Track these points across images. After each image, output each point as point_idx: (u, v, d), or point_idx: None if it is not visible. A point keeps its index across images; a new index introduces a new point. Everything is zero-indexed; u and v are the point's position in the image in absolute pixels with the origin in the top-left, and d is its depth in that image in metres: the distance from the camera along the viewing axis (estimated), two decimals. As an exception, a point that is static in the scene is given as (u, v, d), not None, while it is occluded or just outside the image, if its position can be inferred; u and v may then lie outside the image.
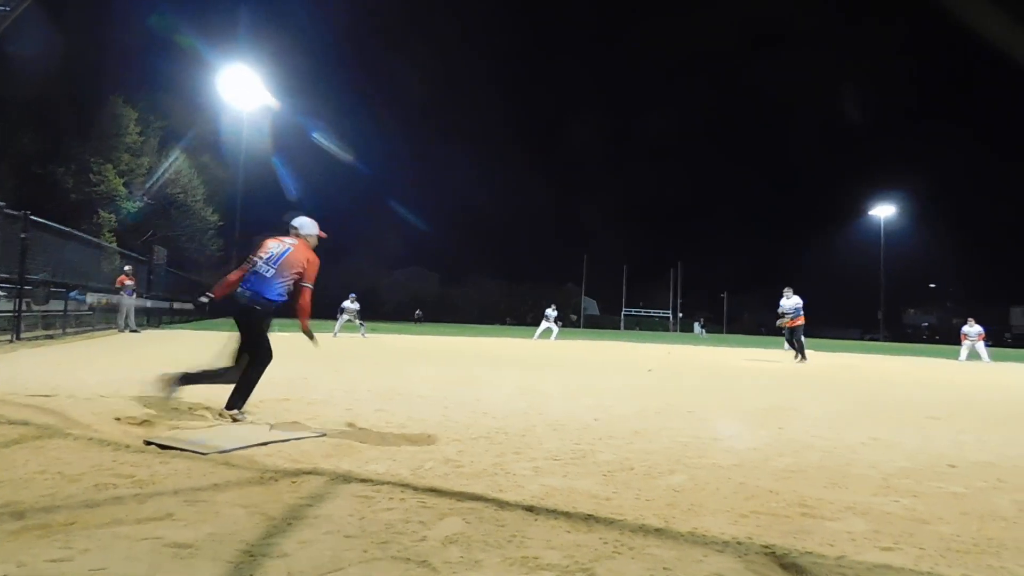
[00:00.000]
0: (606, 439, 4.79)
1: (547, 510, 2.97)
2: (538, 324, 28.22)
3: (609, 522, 2.83)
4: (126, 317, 19.66)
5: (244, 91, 33.77)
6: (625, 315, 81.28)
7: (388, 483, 3.31)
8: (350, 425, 4.96)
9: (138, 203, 35.08)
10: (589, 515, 2.91)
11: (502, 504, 3.04)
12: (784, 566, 2.41)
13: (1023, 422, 6.89)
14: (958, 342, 24.59)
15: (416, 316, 61.97)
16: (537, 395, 7.39)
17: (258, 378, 5.07)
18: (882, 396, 9.23)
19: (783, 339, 20.48)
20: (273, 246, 5.24)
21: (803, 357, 17.17)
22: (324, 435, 4.52)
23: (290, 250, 5.21)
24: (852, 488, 3.64)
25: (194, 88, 37.11)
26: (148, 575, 2.08)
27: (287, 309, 5.14)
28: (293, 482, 3.24)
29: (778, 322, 18.16)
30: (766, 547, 2.59)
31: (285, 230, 5.42)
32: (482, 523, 2.74)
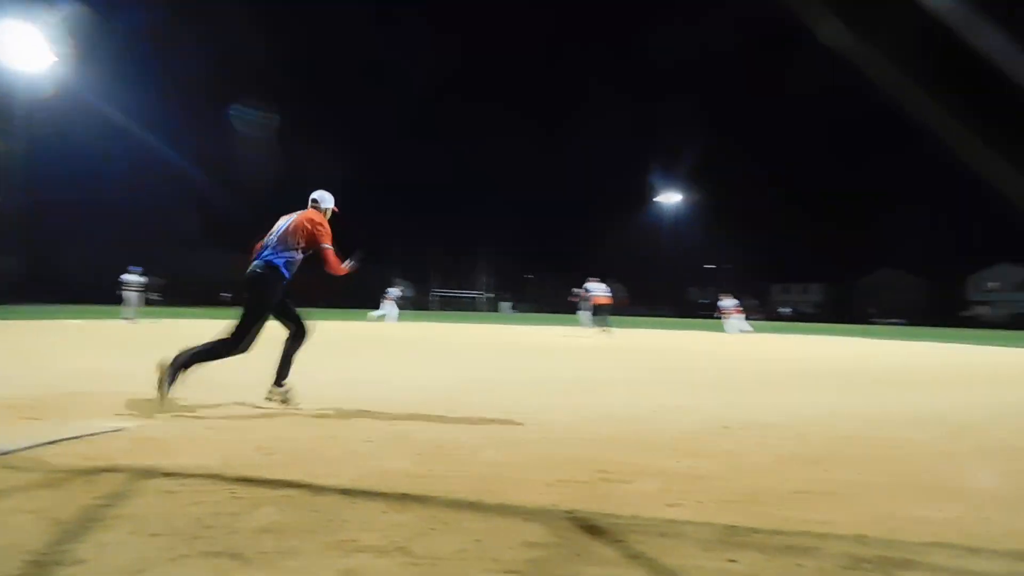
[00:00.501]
0: (420, 418, 4.89)
1: (363, 492, 3.00)
2: (378, 306, 27.96)
3: (424, 500, 2.92)
4: None
5: (26, 49, 30.12)
6: (435, 296, 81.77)
7: (196, 476, 3.18)
8: (154, 417, 4.67)
9: None
10: (404, 494, 2.98)
11: (317, 489, 3.03)
12: (586, 529, 2.62)
13: (782, 385, 7.89)
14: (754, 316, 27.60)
15: (223, 298, 58.59)
16: (351, 378, 7.34)
17: (219, 354, 5.04)
18: (669, 367, 10.12)
19: (585, 316, 22.11)
20: (280, 220, 5.42)
21: (606, 332, 18.65)
22: (123, 428, 4.23)
23: (293, 218, 5.36)
24: (646, 452, 4.00)
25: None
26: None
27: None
28: (88, 482, 3.02)
29: (579, 298, 20.18)
30: (570, 512, 2.80)
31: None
32: (297, 510, 2.73)
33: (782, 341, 21.21)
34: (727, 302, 26.54)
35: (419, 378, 7.46)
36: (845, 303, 78.04)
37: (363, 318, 28.24)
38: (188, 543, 2.32)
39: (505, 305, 77.88)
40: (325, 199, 5.67)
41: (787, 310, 63.65)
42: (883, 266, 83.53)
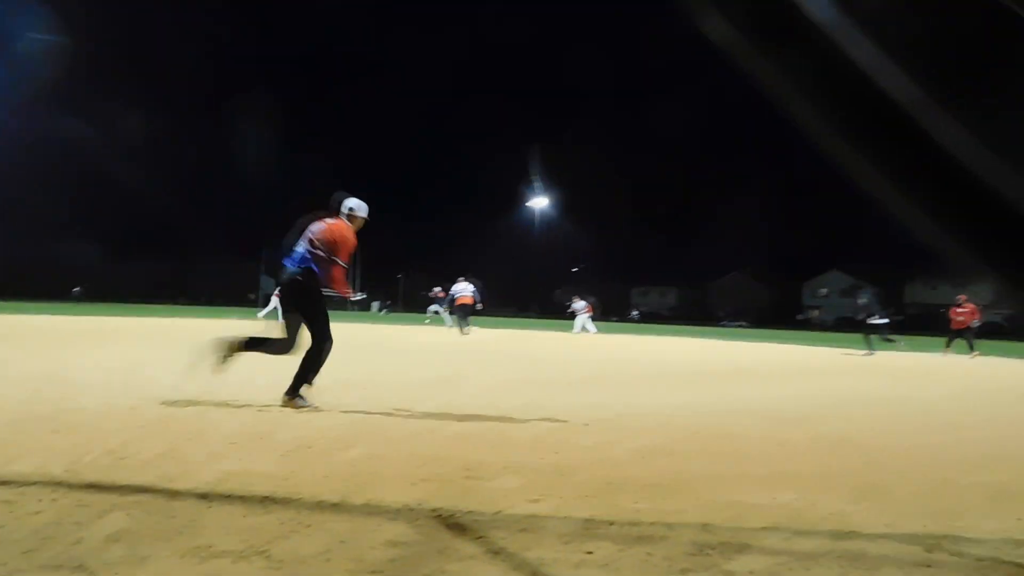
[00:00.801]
0: (284, 418, 4.79)
1: (223, 496, 2.91)
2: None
3: (287, 502, 2.87)
4: None
5: None
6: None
7: (37, 483, 2.97)
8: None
9: None
10: (267, 497, 2.92)
11: (173, 494, 2.91)
12: (450, 526, 2.66)
13: (639, 383, 8.29)
14: (597, 318, 28.86)
15: (75, 292, 54.64)
16: (211, 378, 7.04)
17: (318, 360, 5.39)
18: (531, 365, 10.39)
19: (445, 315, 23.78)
20: (313, 224, 5.57)
21: (465, 332, 20.59)
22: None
23: (325, 226, 5.51)
24: (509, 449, 4.10)
25: None
26: None
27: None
28: (-93, 493, 2.77)
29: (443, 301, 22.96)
30: (434, 510, 2.83)
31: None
32: (150, 516, 2.61)
33: (638, 342, 22.22)
34: (578, 303, 27.75)
35: (283, 378, 7.26)
36: (698, 306, 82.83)
37: (231, 315, 27.06)
38: (25, 556, 2.17)
39: (375, 304, 76.92)
40: (361, 208, 5.74)
41: (635, 313, 66.74)
42: (732, 271, 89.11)
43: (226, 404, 5.26)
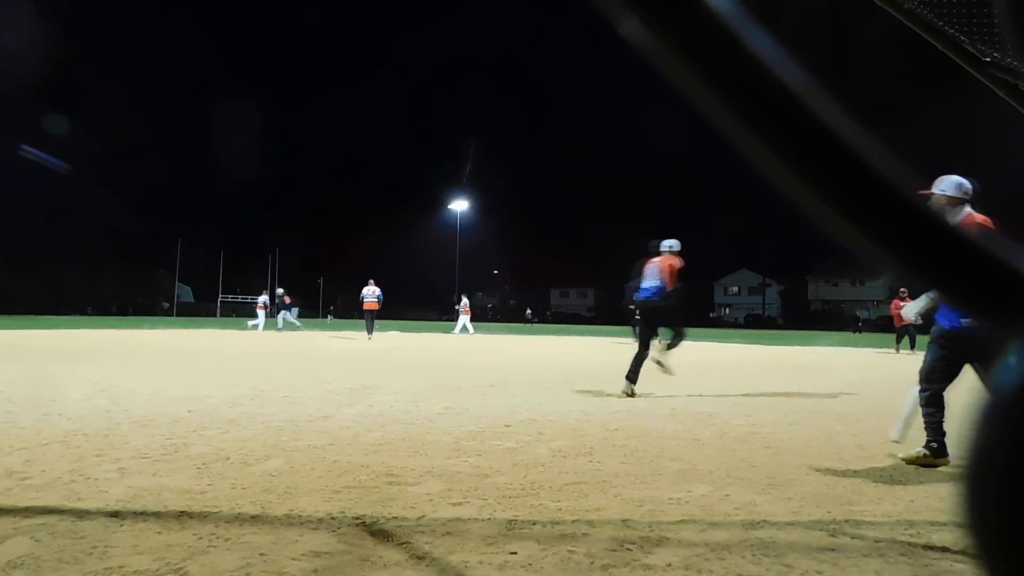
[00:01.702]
0: (200, 431, 4.65)
1: (135, 513, 2.82)
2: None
3: (204, 516, 2.80)
4: None
5: None
6: (222, 302, 77.13)
7: (-73, 509, 2.80)
8: None
9: None
10: (182, 512, 2.85)
11: (81, 514, 2.80)
12: (373, 533, 2.66)
13: (555, 384, 8.43)
14: (520, 320, 29.42)
15: None
16: (121, 391, 6.77)
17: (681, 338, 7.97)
18: (447, 370, 10.41)
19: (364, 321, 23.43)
20: (649, 266, 7.89)
21: (370, 335, 21.49)
22: None
23: (657, 263, 7.79)
24: (430, 454, 4.11)
25: None
26: None
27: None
28: None
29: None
30: (357, 518, 2.82)
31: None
32: (56, 538, 2.50)
33: (555, 343, 22.48)
34: (461, 303, 28.45)
35: (194, 389, 7.05)
36: (615, 306, 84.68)
37: (141, 326, 25.94)
38: (-81, 586, 2.06)
39: (288, 313, 75.32)
40: (670, 246, 7.85)
41: (528, 312, 67.38)
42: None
43: (136, 418, 5.06)
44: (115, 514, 2.80)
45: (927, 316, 4.37)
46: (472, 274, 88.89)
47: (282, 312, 27.05)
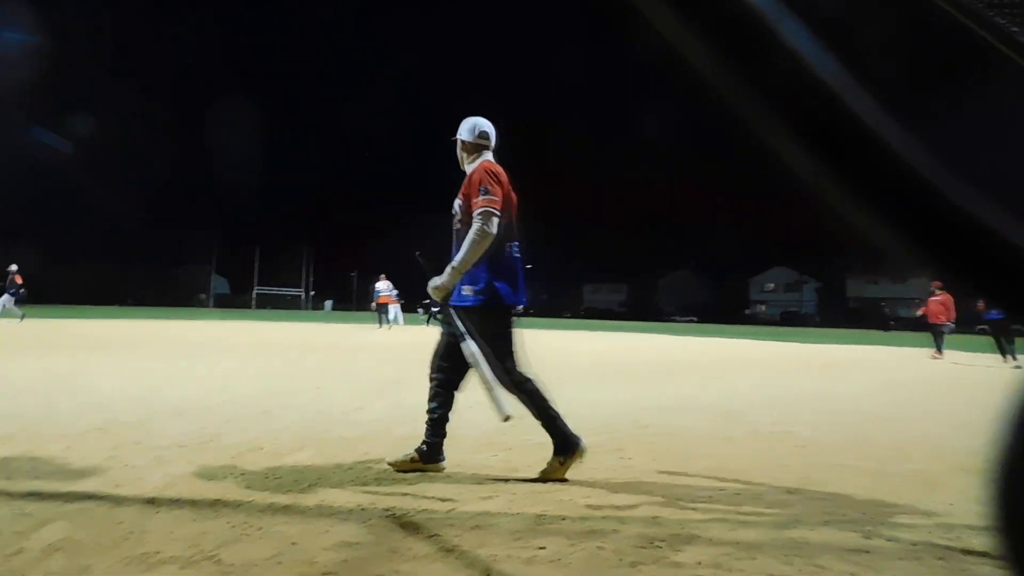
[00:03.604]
0: (233, 421, 4.72)
1: (170, 500, 2.87)
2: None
3: (237, 505, 2.84)
4: None
5: None
6: (258, 294, 78.29)
7: (-28, 493, 2.89)
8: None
9: None
10: (216, 500, 2.89)
11: (118, 500, 2.86)
12: (402, 525, 2.67)
13: (586, 379, 8.39)
14: (552, 315, 29.26)
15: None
16: (158, 380, 6.90)
17: None
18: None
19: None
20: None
21: (388, 327, 23.03)
22: None
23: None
24: (460, 448, 4.11)
25: None
26: None
27: None
28: None
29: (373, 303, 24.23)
30: (387, 510, 2.84)
31: None
32: (94, 523, 2.56)
33: (586, 339, 22.41)
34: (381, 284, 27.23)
35: (228, 380, 7.16)
36: (647, 302, 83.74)
37: (178, 317, 26.41)
38: (-37, 568, 2.12)
39: (328, 304, 76.23)
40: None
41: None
42: (681, 268, 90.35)
43: (172, 408, 5.16)
44: (151, 501, 2.86)
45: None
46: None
47: None
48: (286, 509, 2.82)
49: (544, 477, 3.45)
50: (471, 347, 3.46)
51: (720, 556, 2.43)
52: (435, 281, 3.53)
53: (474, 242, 3.39)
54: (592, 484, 3.37)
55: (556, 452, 3.50)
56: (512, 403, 3.48)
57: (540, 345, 15.87)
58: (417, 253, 3.66)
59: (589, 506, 3.00)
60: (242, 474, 3.35)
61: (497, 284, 3.53)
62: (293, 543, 2.42)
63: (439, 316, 3.78)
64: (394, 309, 25.24)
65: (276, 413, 5.09)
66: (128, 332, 16.01)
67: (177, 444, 3.95)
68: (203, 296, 76.57)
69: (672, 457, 4.08)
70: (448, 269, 3.49)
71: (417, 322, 27.65)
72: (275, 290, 78.50)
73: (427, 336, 19.18)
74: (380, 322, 23.50)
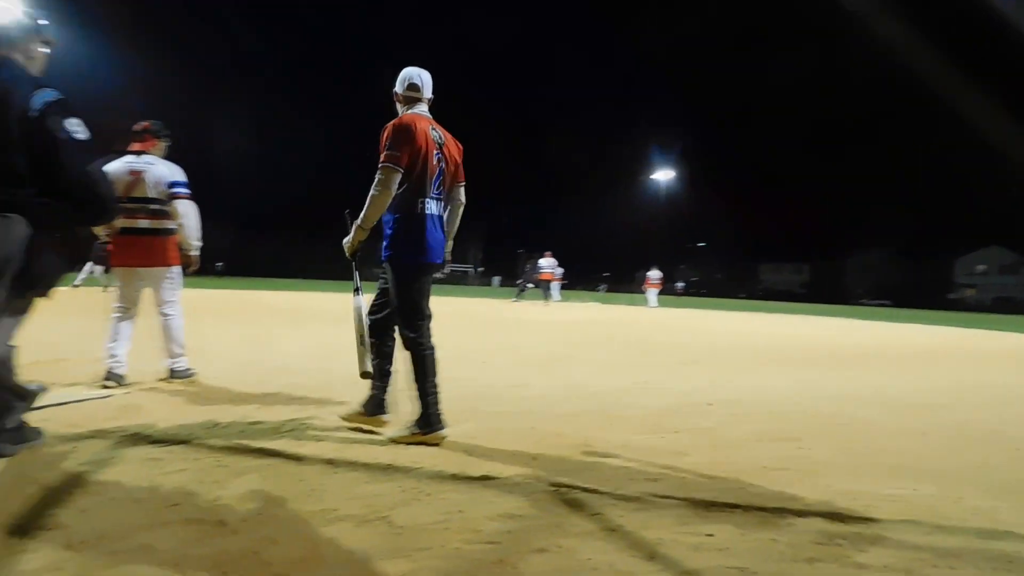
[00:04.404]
0: (402, 390, 4.87)
1: (347, 462, 3.03)
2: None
3: (407, 471, 2.95)
4: None
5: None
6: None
7: (181, 443, 3.20)
8: (138, 385, 4.67)
9: None
10: (388, 465, 3.01)
11: (302, 459, 3.05)
12: (566, 501, 2.65)
13: (762, 364, 7.97)
14: (725, 295, 28.23)
15: (217, 268, 58.03)
16: (336, 348, 7.34)
17: None
18: (644, 342, 10.19)
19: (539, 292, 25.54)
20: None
21: (549, 302, 23.98)
22: (110, 395, 4.24)
23: None
24: (626, 428, 4.04)
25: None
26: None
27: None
28: (74, 448, 3.03)
29: (531, 277, 25.68)
30: (552, 485, 2.83)
31: None
32: (280, 479, 2.75)
33: (762, 321, 21.33)
34: (654, 273, 28.05)
35: (400, 352, 7.45)
36: (836, 283, 77.73)
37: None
38: (171, 510, 2.34)
39: (495, 279, 78.24)
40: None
41: (680, 285, 61.44)
42: (872, 247, 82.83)
43: (347, 376, 5.45)
44: (330, 461, 3.03)
45: None
46: (672, 248, 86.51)
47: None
48: (453, 478, 2.89)
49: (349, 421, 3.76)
50: (358, 302, 3.56)
51: (911, 561, 2.20)
52: (345, 239, 3.60)
53: (372, 198, 3.41)
54: (765, 473, 3.18)
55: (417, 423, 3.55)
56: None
57: (708, 328, 15.32)
58: (346, 211, 3.68)
59: (761, 495, 2.83)
60: (411, 442, 3.47)
61: (404, 241, 3.54)
62: (460, 510, 2.47)
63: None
64: (555, 287, 26.20)
65: (443, 385, 5.23)
66: (310, 303, 17.18)
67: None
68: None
69: (856, 450, 3.77)
70: (353, 226, 3.54)
71: (576, 298, 27.74)
72: (452, 267, 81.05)
73: (588, 314, 19.24)
74: (546, 298, 24.55)
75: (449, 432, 3.56)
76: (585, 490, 2.79)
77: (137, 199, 4.78)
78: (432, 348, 3.64)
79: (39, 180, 2.58)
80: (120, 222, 4.65)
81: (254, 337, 8.34)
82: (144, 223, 4.80)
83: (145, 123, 4.96)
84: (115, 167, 4.72)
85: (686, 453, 3.49)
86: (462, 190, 3.85)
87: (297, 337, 8.56)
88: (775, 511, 2.65)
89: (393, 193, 3.44)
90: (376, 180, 3.42)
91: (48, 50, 2.95)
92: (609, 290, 55.45)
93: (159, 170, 4.86)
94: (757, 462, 3.38)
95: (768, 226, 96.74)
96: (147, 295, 4.92)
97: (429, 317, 3.68)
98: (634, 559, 2.13)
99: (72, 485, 2.54)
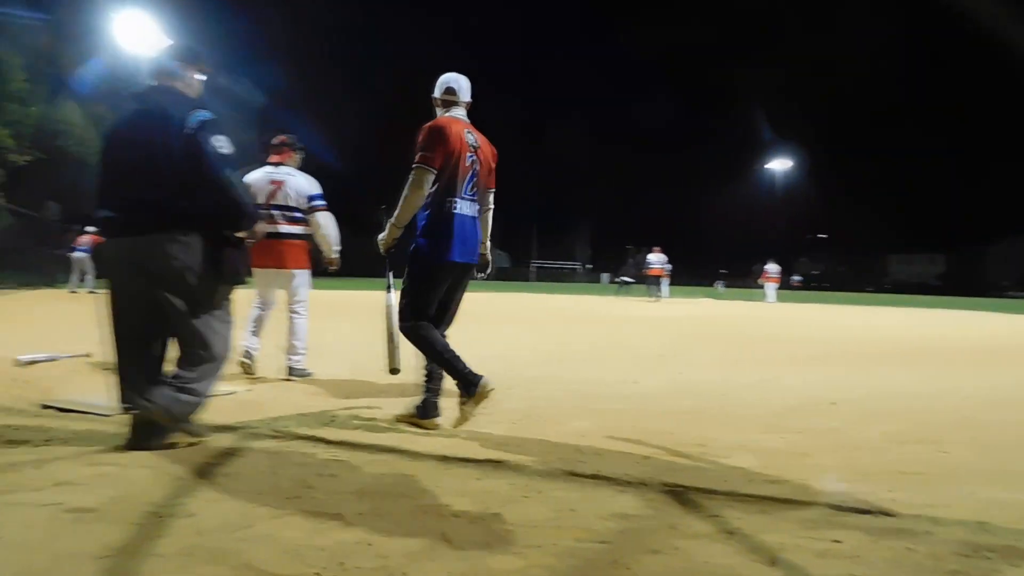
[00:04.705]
0: (511, 388, 4.90)
1: (459, 459, 3.04)
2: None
3: (518, 468, 2.93)
4: (82, 276, 18.21)
5: (142, 37, 31.54)
6: (536, 267, 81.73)
7: (300, 438, 3.31)
8: (260, 380, 4.91)
9: (27, 156, 32.42)
10: (499, 462, 3.01)
11: (415, 455, 3.09)
12: (682, 502, 2.56)
13: (893, 361, 7.48)
14: (852, 288, 26.89)
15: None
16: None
17: None
18: (761, 339, 9.78)
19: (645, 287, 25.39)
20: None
21: (658, 298, 23.92)
22: (234, 392, 4.46)
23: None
24: (743, 427, 3.88)
25: (87, 33, 34.23)
26: (46, 541, 2.03)
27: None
28: (201, 442, 3.20)
29: (632, 272, 26.10)
30: (666, 485, 2.74)
31: None
32: (395, 474, 2.79)
33: (892, 315, 20.06)
34: (772, 267, 27.13)
35: (506, 348, 7.49)
36: (976, 274, 71.80)
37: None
38: (291, 501, 2.41)
39: (605, 276, 77.71)
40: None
41: (796, 278, 56.66)
42: (1019, 233, 75.58)
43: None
44: (442, 458, 3.05)
45: None
46: (789, 239, 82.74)
47: None
48: (564, 475, 2.85)
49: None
50: (390, 299, 3.71)
51: (1075, 578, 1.98)
52: (380, 236, 3.67)
53: (404, 197, 3.49)
54: (898, 477, 2.97)
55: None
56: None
57: (829, 322, 14.55)
58: (382, 207, 3.68)
59: (895, 501, 2.62)
60: (522, 440, 3.46)
61: (430, 239, 3.59)
62: (571, 509, 2.43)
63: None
64: (664, 282, 25.92)
65: (551, 382, 5.22)
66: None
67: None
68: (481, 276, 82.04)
69: (1003, 456, 3.46)
70: (387, 223, 3.62)
71: (685, 294, 27.13)
72: (552, 263, 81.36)
73: (699, 310, 18.74)
74: (653, 293, 24.21)
75: (442, 421, 3.72)
76: (700, 491, 2.69)
77: (277, 206, 5.17)
78: (428, 341, 3.67)
79: (196, 190, 2.97)
80: (261, 227, 4.98)
81: (363, 337, 8.56)
82: (282, 228, 5.19)
83: (282, 136, 5.38)
84: (256, 177, 5.15)
85: (809, 455, 3.31)
86: (491, 196, 3.92)
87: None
88: (911, 518, 2.45)
89: (426, 193, 3.54)
90: (409, 180, 3.52)
91: (204, 77, 3.32)
92: (727, 286, 53.50)
93: (299, 182, 5.26)
94: (889, 465, 3.16)
95: (896, 214, 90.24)
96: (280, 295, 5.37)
97: (432, 317, 3.73)
98: (754, 564, 2.02)
99: (201, 476, 2.67)
